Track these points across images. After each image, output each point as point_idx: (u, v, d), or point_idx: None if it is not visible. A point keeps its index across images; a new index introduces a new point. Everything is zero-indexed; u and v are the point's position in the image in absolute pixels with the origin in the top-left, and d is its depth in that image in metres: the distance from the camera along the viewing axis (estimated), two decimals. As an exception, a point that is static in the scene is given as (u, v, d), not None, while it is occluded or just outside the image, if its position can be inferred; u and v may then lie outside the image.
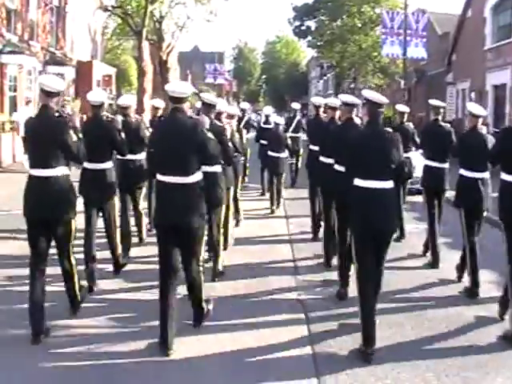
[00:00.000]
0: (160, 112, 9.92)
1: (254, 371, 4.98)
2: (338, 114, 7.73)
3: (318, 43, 37.66)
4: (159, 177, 5.35)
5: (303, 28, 40.33)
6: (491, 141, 7.04)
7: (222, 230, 7.49)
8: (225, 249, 8.13)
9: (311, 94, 78.46)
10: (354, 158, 5.55)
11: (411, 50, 24.60)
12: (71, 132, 5.47)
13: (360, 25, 33.51)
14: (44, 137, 5.34)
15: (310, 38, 39.81)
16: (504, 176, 5.96)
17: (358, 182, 5.43)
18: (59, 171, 5.42)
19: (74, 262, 5.76)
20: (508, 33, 24.81)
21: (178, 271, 5.38)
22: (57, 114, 5.51)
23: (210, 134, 5.43)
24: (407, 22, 24.18)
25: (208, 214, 6.28)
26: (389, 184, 5.42)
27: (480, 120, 7.24)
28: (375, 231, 5.38)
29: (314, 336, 5.74)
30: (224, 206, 7.41)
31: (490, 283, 7.37)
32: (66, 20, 27.31)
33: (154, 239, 5.79)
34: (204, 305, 5.74)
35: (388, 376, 4.94)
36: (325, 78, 78.36)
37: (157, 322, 5.30)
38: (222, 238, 7.57)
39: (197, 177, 5.32)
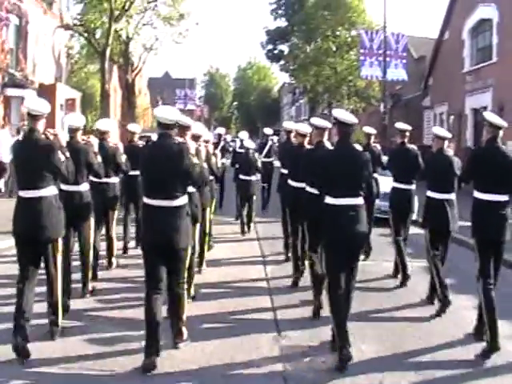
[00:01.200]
0: (136, 137, 10.33)
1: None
2: (307, 140, 7.88)
3: (292, 67, 36.65)
4: (146, 200, 5.52)
5: (276, 52, 39.52)
6: (458, 162, 7.34)
7: (197, 251, 7.79)
8: (199, 272, 8.50)
9: (283, 120, 77.69)
10: (326, 177, 5.75)
11: (391, 72, 23.53)
12: (59, 153, 5.62)
13: (335, 48, 32.66)
14: (33, 159, 5.48)
15: (283, 62, 38.91)
16: (476, 194, 6.16)
17: (329, 200, 5.68)
18: (48, 192, 5.59)
19: (60, 279, 5.84)
20: (487, 55, 24.18)
21: (163, 288, 5.53)
22: (43, 137, 5.63)
23: (195, 159, 5.63)
24: (387, 42, 23.12)
25: None
26: (359, 200, 5.69)
27: (446, 142, 7.41)
28: (346, 244, 5.62)
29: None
30: (199, 226, 7.60)
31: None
32: (27, 40, 25.89)
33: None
34: (184, 329, 5.87)
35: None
36: (297, 104, 78.17)
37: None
38: (196, 260, 7.79)
39: (183, 200, 5.53)
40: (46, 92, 26.46)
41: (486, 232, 6.17)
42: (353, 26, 32.36)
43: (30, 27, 26.07)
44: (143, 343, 5.41)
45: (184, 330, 5.89)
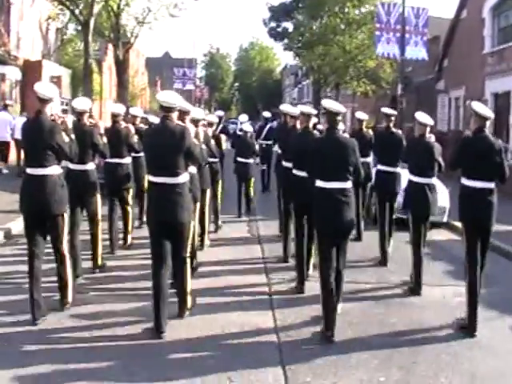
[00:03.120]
0: (138, 120, 10.59)
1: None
2: (298, 122, 8.05)
3: (296, 45, 34.37)
4: (151, 178, 5.96)
5: (279, 29, 37.26)
6: (438, 148, 7.76)
7: (197, 229, 8.12)
8: (201, 248, 8.97)
9: (285, 102, 75.73)
10: (316, 162, 6.16)
11: (410, 50, 21.11)
12: (63, 134, 6.06)
13: (343, 26, 30.44)
14: (39, 139, 5.93)
15: (286, 40, 36.59)
16: (464, 181, 6.45)
17: (319, 183, 6.09)
18: (52, 170, 6.00)
19: (67, 254, 6.28)
20: (511, 35, 22.07)
21: (168, 261, 5.90)
22: (50, 118, 6.02)
23: (195, 140, 6.25)
24: (405, 17, 20.75)
25: None
26: (347, 184, 6.09)
27: (428, 128, 7.76)
28: (337, 226, 6.05)
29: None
30: (199, 206, 8.02)
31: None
32: (10, 13, 23.81)
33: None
34: (188, 298, 6.27)
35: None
36: (300, 86, 76.58)
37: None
38: (197, 238, 8.14)
39: (185, 177, 5.94)
40: (31, 69, 24.73)
41: (474, 217, 6.41)
42: (362, 2, 30.16)
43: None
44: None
45: (189, 299, 6.30)
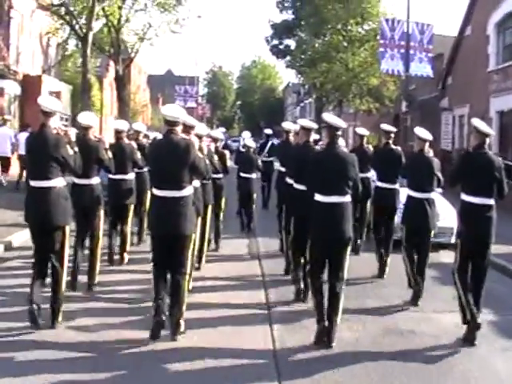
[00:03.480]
0: (141, 135, 10.71)
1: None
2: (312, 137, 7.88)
3: (299, 63, 33.98)
4: (155, 191, 6.04)
5: (282, 47, 37.03)
6: (437, 164, 7.86)
7: (196, 246, 7.85)
8: (198, 268, 8.70)
9: (287, 120, 75.39)
10: (315, 176, 6.29)
11: (415, 66, 20.72)
12: (68, 147, 6.19)
13: (346, 43, 30.15)
14: (44, 151, 6.02)
15: (289, 58, 36.32)
16: (463, 196, 6.50)
17: (318, 197, 6.19)
18: (56, 182, 6.11)
19: (65, 270, 6.32)
20: (516, 52, 21.82)
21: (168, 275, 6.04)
22: (54, 132, 6.14)
23: (200, 154, 6.38)
24: (410, 33, 20.29)
25: None
26: (346, 198, 6.17)
27: (427, 143, 7.84)
28: (332, 240, 6.12)
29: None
30: (201, 221, 7.99)
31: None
32: (10, 27, 23.56)
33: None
34: (181, 321, 6.06)
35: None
36: (302, 104, 76.45)
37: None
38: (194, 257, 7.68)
39: (189, 190, 6.05)
40: (31, 84, 24.45)
41: (473, 233, 6.44)
42: (365, 19, 29.93)
43: (14, 13, 23.75)
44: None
45: (182, 322, 6.07)
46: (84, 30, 17.91)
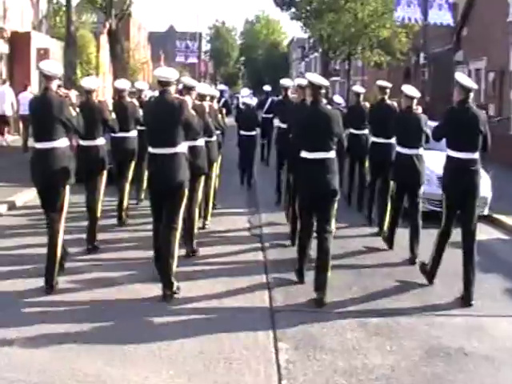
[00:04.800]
0: (143, 93, 11.08)
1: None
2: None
3: (304, 14, 32.15)
4: (150, 149, 6.29)
5: (286, -3, 35.05)
6: (425, 120, 8.09)
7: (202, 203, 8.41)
8: (203, 227, 8.93)
9: (292, 76, 73.76)
10: (300, 133, 6.54)
11: (434, 14, 19.00)
12: (70, 108, 6.33)
13: (355, -9, 28.30)
14: (48, 114, 6.20)
15: (293, 9, 34.40)
16: (449, 152, 6.59)
17: (303, 153, 6.39)
18: (60, 143, 6.29)
19: (61, 229, 6.37)
20: (540, 0, 20.17)
21: None
22: (56, 95, 6.25)
23: (193, 112, 6.46)
24: None
25: (191, 182, 6.71)
26: (330, 154, 6.33)
27: (415, 101, 8.04)
28: (319, 194, 6.32)
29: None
30: (205, 179, 8.17)
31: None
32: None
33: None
34: (173, 279, 6.18)
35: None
36: (307, 59, 74.67)
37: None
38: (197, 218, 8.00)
39: (182, 148, 6.28)
40: (19, 41, 23.11)
41: (460, 187, 6.50)
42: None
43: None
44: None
45: (174, 280, 6.18)
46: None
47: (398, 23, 27.39)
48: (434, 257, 6.78)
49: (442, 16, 19.26)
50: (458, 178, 6.51)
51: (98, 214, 7.99)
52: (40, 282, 6.25)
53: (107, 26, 22.16)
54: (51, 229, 6.34)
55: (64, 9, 23.85)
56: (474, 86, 6.60)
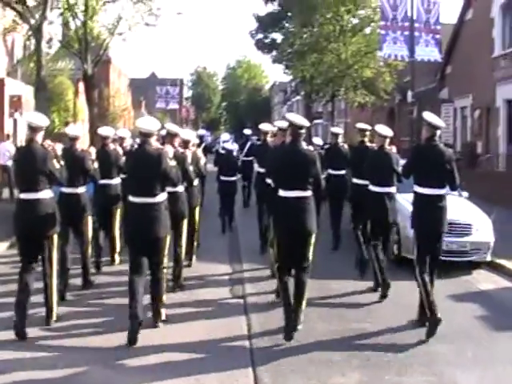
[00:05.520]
0: (126, 141, 11.00)
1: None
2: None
3: (286, 57, 31.56)
4: (131, 198, 6.47)
5: (267, 41, 34.76)
6: (397, 159, 8.21)
7: (184, 246, 8.32)
8: (189, 265, 9.19)
9: (274, 119, 73.71)
10: (277, 172, 6.67)
11: (421, 50, 18.39)
12: (54, 160, 6.53)
13: (337, 33, 27.90)
14: (32, 165, 6.36)
15: (275, 52, 34.06)
16: (416, 188, 6.75)
17: (281, 192, 6.50)
18: (44, 194, 6.46)
19: (55, 274, 6.71)
20: (525, 35, 19.82)
21: (144, 273, 6.46)
22: (41, 147, 6.49)
23: (172, 163, 6.63)
24: (414, 11, 17.86)
25: (173, 228, 7.08)
26: (307, 193, 6.43)
27: (387, 140, 8.24)
28: (295, 231, 6.40)
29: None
30: (188, 223, 8.37)
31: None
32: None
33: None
34: (162, 310, 6.74)
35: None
36: (289, 102, 74.77)
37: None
38: (183, 253, 8.34)
39: (162, 197, 6.47)
40: (-8, 88, 22.10)
41: (426, 224, 6.70)
42: (358, 6, 27.74)
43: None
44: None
45: (163, 311, 6.73)
46: (37, 21, 15.63)
47: (382, 62, 27.07)
48: (426, 293, 6.57)
49: (429, 52, 18.69)
50: (425, 215, 6.65)
51: (89, 257, 8.32)
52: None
53: (83, 71, 21.30)
54: (46, 277, 6.57)
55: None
56: (442, 124, 6.86)
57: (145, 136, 6.41)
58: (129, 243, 6.65)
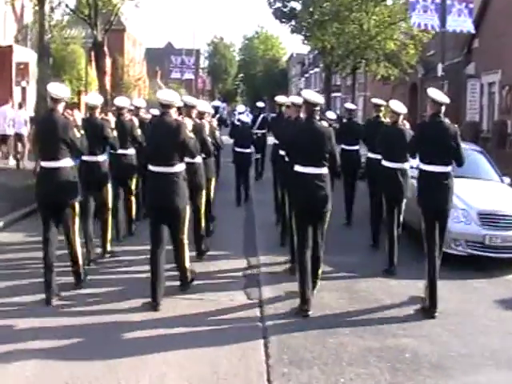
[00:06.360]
0: (142, 111, 11.00)
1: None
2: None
3: (305, 25, 30.10)
4: (150, 167, 6.62)
5: (286, 10, 33.44)
6: (410, 135, 7.79)
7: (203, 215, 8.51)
8: (207, 235, 9.03)
9: (291, 92, 72.50)
10: (295, 149, 6.69)
11: (452, 20, 17.20)
12: (75, 130, 6.70)
13: (360, 2, 26.56)
14: (54, 134, 6.55)
15: (293, 22, 32.77)
16: (421, 166, 6.74)
17: (297, 168, 6.56)
18: (65, 162, 6.63)
19: (78, 241, 6.98)
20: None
21: (164, 243, 6.60)
22: (62, 116, 6.66)
23: (191, 134, 6.74)
24: None
25: (191, 198, 7.16)
26: (323, 170, 6.53)
27: (401, 117, 8.30)
28: (311, 208, 6.51)
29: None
30: (205, 193, 8.56)
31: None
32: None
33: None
34: (188, 274, 6.99)
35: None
36: (306, 75, 73.40)
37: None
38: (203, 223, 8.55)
39: (180, 167, 6.61)
40: (1, 55, 21.35)
41: (432, 201, 6.64)
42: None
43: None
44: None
45: (188, 274, 6.96)
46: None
47: (405, 34, 25.84)
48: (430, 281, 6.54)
49: (461, 23, 17.40)
50: (430, 193, 6.63)
51: (110, 224, 8.51)
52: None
53: (94, 38, 20.41)
54: (70, 244, 6.85)
55: (50, 20, 22.35)
56: (446, 100, 6.72)
57: (165, 107, 6.59)
58: (149, 212, 6.94)
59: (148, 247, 7.43)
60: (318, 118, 6.73)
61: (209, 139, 8.07)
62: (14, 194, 12.32)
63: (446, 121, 6.68)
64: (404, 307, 6.70)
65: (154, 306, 6.33)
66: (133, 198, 9.80)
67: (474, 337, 5.83)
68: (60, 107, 6.64)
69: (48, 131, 6.61)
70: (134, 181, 9.80)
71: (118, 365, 5.04)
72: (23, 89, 22.48)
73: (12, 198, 11.82)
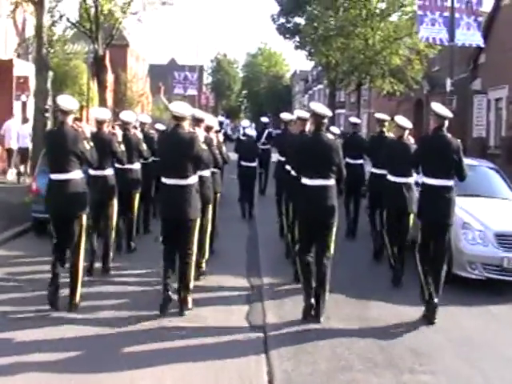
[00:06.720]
0: (146, 127, 11.35)
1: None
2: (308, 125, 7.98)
3: (310, 40, 29.79)
4: (163, 179, 6.70)
5: (290, 26, 33.25)
6: (414, 149, 7.90)
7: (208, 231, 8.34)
8: (211, 252, 8.87)
9: (295, 109, 72.35)
10: (301, 161, 6.78)
11: (461, 34, 16.79)
12: (84, 142, 6.81)
13: (365, 17, 26.33)
14: (64, 147, 6.65)
15: (297, 38, 32.54)
16: (424, 179, 6.78)
17: (304, 180, 6.62)
18: (75, 174, 6.73)
19: (82, 256, 6.92)
20: None
21: (176, 261, 6.68)
22: (72, 129, 6.77)
23: (204, 146, 6.86)
24: None
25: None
26: (330, 182, 6.57)
27: (406, 131, 8.39)
28: (318, 219, 6.52)
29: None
30: (211, 208, 8.38)
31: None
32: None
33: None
34: (189, 298, 6.76)
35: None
36: (310, 92, 73.29)
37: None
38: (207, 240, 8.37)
39: (193, 179, 6.68)
40: (2, 69, 21.05)
41: (432, 214, 6.63)
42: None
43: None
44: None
45: (189, 299, 6.76)
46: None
47: (410, 49, 25.52)
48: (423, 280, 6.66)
49: (470, 36, 16.95)
50: (432, 207, 6.61)
51: (112, 242, 8.52)
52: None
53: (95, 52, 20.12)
54: (73, 258, 6.78)
55: (52, 34, 22.07)
56: (449, 114, 6.78)
57: (178, 120, 6.65)
58: (162, 225, 6.84)
59: (146, 262, 7.87)
60: (325, 130, 6.79)
61: (217, 152, 8.20)
62: (9, 211, 12.05)
63: (449, 135, 6.72)
64: (419, 336, 6.20)
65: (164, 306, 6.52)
66: (134, 217, 9.75)
67: (498, 373, 5.36)
68: (69, 119, 6.76)
69: (58, 144, 6.71)
70: (138, 196, 9.72)
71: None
72: (23, 103, 22.18)
73: (7, 216, 11.52)
